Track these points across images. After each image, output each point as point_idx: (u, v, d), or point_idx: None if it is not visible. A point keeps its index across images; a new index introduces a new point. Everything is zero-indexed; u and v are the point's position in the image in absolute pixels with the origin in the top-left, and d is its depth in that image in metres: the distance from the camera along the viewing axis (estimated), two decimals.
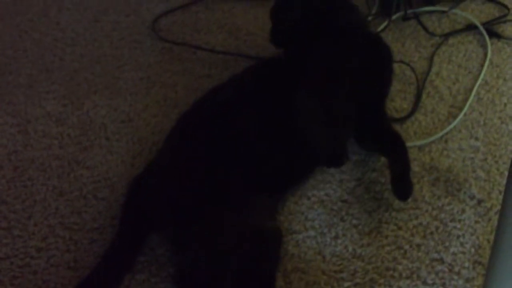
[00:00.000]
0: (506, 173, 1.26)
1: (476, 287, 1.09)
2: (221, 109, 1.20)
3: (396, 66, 1.45)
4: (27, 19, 1.79)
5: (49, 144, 1.39)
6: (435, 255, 1.14)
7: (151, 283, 1.11)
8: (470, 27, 1.65)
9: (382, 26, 1.64)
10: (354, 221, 1.20)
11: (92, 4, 1.84)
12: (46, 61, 1.63)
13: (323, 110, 1.18)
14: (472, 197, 1.23)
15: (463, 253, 1.14)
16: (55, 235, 1.20)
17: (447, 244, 1.16)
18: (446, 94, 1.47)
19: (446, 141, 1.35)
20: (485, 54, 1.57)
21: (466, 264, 1.12)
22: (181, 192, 1.10)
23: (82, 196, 1.27)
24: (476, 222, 1.19)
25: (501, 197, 1.22)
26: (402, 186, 1.20)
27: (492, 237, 1.15)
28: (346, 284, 1.11)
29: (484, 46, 1.60)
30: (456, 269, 1.12)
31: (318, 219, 1.21)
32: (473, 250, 1.15)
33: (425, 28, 1.65)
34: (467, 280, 1.10)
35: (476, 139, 1.35)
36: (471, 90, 1.47)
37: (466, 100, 1.44)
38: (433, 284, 1.10)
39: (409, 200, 1.21)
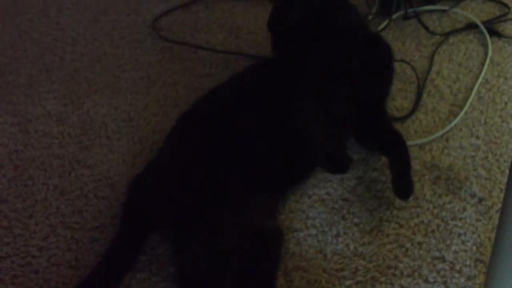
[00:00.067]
0: (507, 171, 1.25)
1: (477, 285, 1.09)
2: (221, 109, 1.20)
3: (396, 65, 1.45)
4: (27, 19, 1.79)
5: (50, 143, 1.39)
6: (437, 253, 1.14)
7: (151, 282, 1.11)
8: (471, 26, 1.65)
9: (382, 25, 1.64)
10: (355, 220, 1.20)
11: (92, 3, 1.84)
12: (46, 61, 1.63)
13: (323, 110, 1.18)
14: (473, 195, 1.23)
15: (465, 251, 1.14)
16: (56, 234, 1.20)
17: (448, 242, 1.16)
18: (446, 93, 1.47)
19: (447, 140, 1.35)
20: (486, 53, 1.57)
21: (468, 262, 1.12)
22: (181, 192, 1.10)
23: (83, 195, 1.27)
24: (477, 220, 1.19)
25: (502, 195, 1.22)
26: (403, 186, 1.20)
27: (493, 235, 1.15)
28: (347, 282, 1.11)
29: (484, 45, 1.60)
30: (458, 267, 1.12)
31: (319, 218, 1.21)
32: (474, 248, 1.15)
33: (426, 27, 1.65)
34: (469, 278, 1.10)
35: (477, 137, 1.35)
36: (471, 89, 1.47)
37: (466, 98, 1.44)
38: (435, 282, 1.10)
39: (410, 198, 1.21)
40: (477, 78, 1.50)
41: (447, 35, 1.64)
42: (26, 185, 1.29)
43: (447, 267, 1.12)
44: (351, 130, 1.27)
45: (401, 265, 1.12)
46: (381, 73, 1.32)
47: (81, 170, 1.32)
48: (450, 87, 1.48)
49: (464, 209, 1.21)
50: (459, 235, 1.17)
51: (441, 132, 1.35)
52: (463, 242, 1.15)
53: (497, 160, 1.30)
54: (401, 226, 1.18)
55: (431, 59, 1.56)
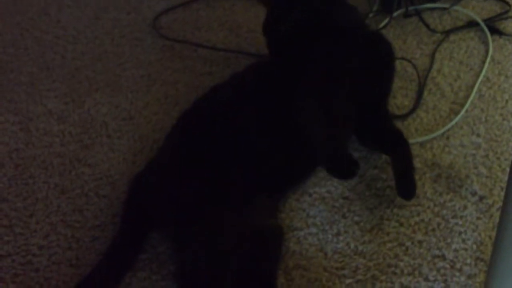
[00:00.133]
0: (508, 169, 1.25)
1: (478, 283, 1.09)
2: (222, 108, 1.20)
3: (397, 63, 1.45)
4: (27, 18, 1.79)
5: (51, 142, 1.39)
6: (437, 252, 1.14)
7: (152, 281, 1.11)
8: (472, 24, 1.65)
9: (383, 23, 1.64)
10: (356, 218, 1.20)
11: (93, 1, 1.84)
12: (47, 59, 1.63)
13: (323, 110, 1.18)
14: (473, 194, 1.23)
15: (465, 249, 1.14)
16: (57, 233, 1.20)
17: (449, 240, 1.16)
18: (447, 90, 1.46)
19: (447, 138, 1.35)
20: (487, 51, 1.57)
21: (468, 261, 1.12)
22: (182, 190, 1.10)
23: (84, 194, 1.27)
24: (478, 218, 1.19)
25: (502, 193, 1.21)
26: (406, 186, 1.20)
27: (494, 234, 1.14)
28: (348, 281, 1.11)
29: (485, 43, 1.59)
30: (458, 265, 1.12)
31: (319, 216, 1.21)
32: (475, 246, 1.15)
33: (427, 25, 1.65)
34: (469, 277, 1.10)
35: (478, 135, 1.35)
36: (472, 86, 1.46)
37: (467, 96, 1.44)
38: (435, 280, 1.10)
39: None
40: (478, 76, 1.49)
41: (448, 33, 1.63)
42: (27, 184, 1.30)
43: (448, 266, 1.12)
44: (352, 130, 1.27)
45: (401, 264, 1.12)
46: (381, 72, 1.32)
47: (82, 169, 1.32)
48: (451, 85, 1.48)
49: (465, 207, 1.21)
50: (460, 233, 1.17)
51: (442, 130, 1.35)
52: (463, 241, 1.15)
53: (498, 158, 1.30)
54: (402, 225, 1.18)
55: (432, 57, 1.56)
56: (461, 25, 1.66)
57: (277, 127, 1.15)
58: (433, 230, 1.17)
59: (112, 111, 1.46)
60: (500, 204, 1.20)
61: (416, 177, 1.25)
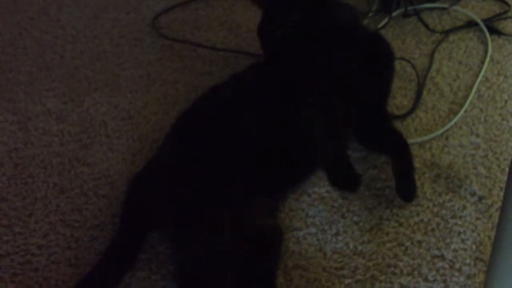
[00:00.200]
0: (507, 169, 1.25)
1: (477, 283, 1.09)
2: (221, 108, 1.20)
3: (396, 63, 1.44)
4: (27, 17, 1.79)
5: (50, 141, 1.39)
6: (436, 252, 1.14)
7: (151, 281, 1.11)
8: (471, 24, 1.65)
9: (382, 23, 1.64)
10: (355, 218, 1.20)
11: (92, 1, 1.84)
12: (46, 59, 1.62)
13: (323, 110, 1.18)
14: (473, 194, 1.23)
15: (464, 249, 1.14)
16: (56, 232, 1.20)
17: (448, 240, 1.16)
18: (446, 91, 1.47)
19: (446, 138, 1.35)
20: (486, 51, 1.57)
21: (467, 261, 1.12)
22: (181, 190, 1.10)
23: (83, 193, 1.27)
24: (477, 218, 1.19)
25: (502, 193, 1.21)
26: (406, 187, 1.20)
27: (493, 234, 1.14)
28: (347, 281, 1.11)
29: (484, 43, 1.60)
30: (457, 265, 1.12)
31: (318, 216, 1.21)
32: (474, 246, 1.15)
33: (426, 25, 1.65)
34: (468, 277, 1.10)
35: (477, 135, 1.35)
36: (471, 87, 1.47)
37: (466, 97, 1.44)
38: (434, 280, 1.10)
39: None
40: (477, 76, 1.50)
41: (447, 33, 1.63)
42: (26, 183, 1.30)
43: (447, 266, 1.12)
44: (352, 130, 1.27)
45: (400, 264, 1.12)
46: (381, 73, 1.32)
47: (81, 168, 1.32)
48: (450, 85, 1.48)
49: (464, 207, 1.21)
50: (459, 233, 1.17)
51: (441, 130, 1.35)
52: (462, 241, 1.16)
53: (497, 159, 1.30)
54: (401, 225, 1.18)
55: (431, 57, 1.56)
56: (460, 25, 1.66)
57: (277, 127, 1.15)
58: (433, 230, 1.17)
59: (111, 111, 1.46)
60: (499, 204, 1.20)
61: (416, 177, 1.25)
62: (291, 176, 1.20)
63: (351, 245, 1.16)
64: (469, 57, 1.56)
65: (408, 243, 1.16)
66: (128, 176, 1.26)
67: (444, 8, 1.71)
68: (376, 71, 1.31)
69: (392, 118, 1.36)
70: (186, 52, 1.62)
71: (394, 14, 1.66)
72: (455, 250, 1.14)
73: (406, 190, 1.20)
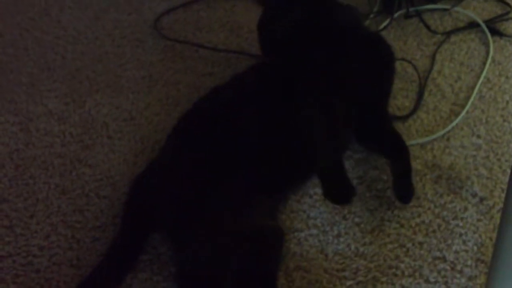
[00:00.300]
0: (509, 170, 1.26)
1: (478, 285, 1.09)
2: (223, 109, 1.20)
3: (398, 64, 1.45)
4: (28, 18, 1.79)
5: (51, 142, 1.39)
6: (438, 253, 1.14)
7: (153, 282, 1.11)
8: (472, 25, 1.65)
9: (384, 24, 1.64)
10: (356, 219, 1.20)
11: (94, 2, 1.84)
12: (47, 60, 1.62)
13: (323, 110, 1.18)
14: (474, 195, 1.23)
15: (466, 251, 1.14)
16: (58, 234, 1.20)
17: (449, 242, 1.16)
18: (448, 92, 1.46)
19: (448, 139, 1.35)
20: (487, 52, 1.57)
21: (469, 262, 1.12)
22: (183, 191, 1.10)
23: (84, 194, 1.27)
24: (479, 220, 1.19)
25: (503, 195, 1.21)
26: (404, 189, 1.20)
27: (494, 235, 1.15)
28: (349, 282, 1.11)
29: (486, 44, 1.59)
30: (459, 267, 1.12)
31: (320, 217, 1.21)
32: (475, 248, 1.15)
33: (427, 26, 1.65)
34: (470, 278, 1.10)
35: (478, 137, 1.35)
36: (473, 88, 1.47)
37: (468, 98, 1.44)
38: (436, 282, 1.10)
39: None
40: (478, 77, 1.49)
41: (448, 34, 1.63)
42: (27, 184, 1.30)
43: (448, 267, 1.12)
44: (352, 131, 1.27)
45: (402, 265, 1.12)
46: (381, 73, 1.32)
47: (83, 169, 1.32)
48: (452, 86, 1.48)
49: (465, 208, 1.21)
50: (460, 235, 1.17)
51: (442, 132, 1.35)
52: (464, 242, 1.15)
53: (499, 160, 1.30)
54: (402, 226, 1.18)
55: (433, 58, 1.56)
56: (462, 26, 1.66)
57: (278, 128, 1.15)
58: (434, 231, 1.17)
59: (113, 112, 1.46)
60: (501, 205, 1.20)
61: (417, 178, 1.25)
62: (292, 176, 1.20)
63: (352, 247, 1.16)
64: (471, 58, 1.56)
65: (409, 245, 1.16)
66: (130, 177, 1.26)
67: (445, 9, 1.71)
68: (376, 72, 1.31)
69: (393, 119, 1.36)
70: (188, 53, 1.62)
71: (395, 15, 1.66)
72: (456, 252, 1.14)
73: (404, 192, 1.20)
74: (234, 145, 1.13)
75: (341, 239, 1.17)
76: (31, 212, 1.24)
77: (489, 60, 1.54)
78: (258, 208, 1.12)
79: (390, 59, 1.33)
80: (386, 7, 1.68)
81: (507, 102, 1.43)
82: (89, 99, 1.49)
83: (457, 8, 1.70)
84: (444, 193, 1.24)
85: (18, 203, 1.26)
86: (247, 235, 1.07)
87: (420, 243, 1.16)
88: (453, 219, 1.19)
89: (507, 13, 1.68)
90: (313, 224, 1.20)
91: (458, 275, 1.10)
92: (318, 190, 1.25)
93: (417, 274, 1.11)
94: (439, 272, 1.11)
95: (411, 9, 1.68)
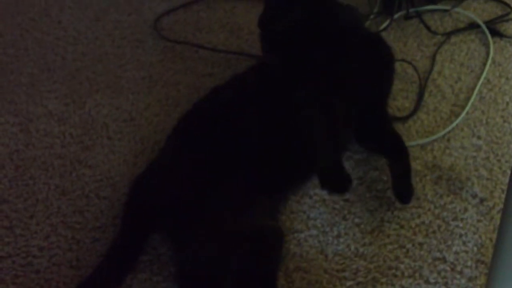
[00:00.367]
0: (509, 171, 1.26)
1: (478, 286, 1.09)
2: (222, 109, 1.20)
3: (398, 65, 1.45)
4: (28, 18, 1.79)
5: (51, 143, 1.39)
6: (438, 254, 1.14)
7: (153, 282, 1.11)
8: (473, 26, 1.65)
9: (384, 25, 1.64)
10: (356, 220, 1.20)
11: (94, 2, 1.84)
12: (47, 60, 1.62)
13: (323, 111, 1.18)
14: (474, 196, 1.23)
15: (466, 252, 1.14)
16: (57, 234, 1.20)
17: (449, 243, 1.16)
18: (448, 92, 1.46)
19: (448, 140, 1.35)
20: (488, 53, 1.57)
21: (469, 263, 1.12)
22: (183, 192, 1.10)
23: (84, 195, 1.27)
24: (479, 221, 1.19)
25: (503, 195, 1.21)
26: (403, 189, 1.20)
27: (494, 236, 1.14)
28: (349, 283, 1.11)
29: (486, 45, 1.59)
30: (459, 268, 1.12)
31: (320, 218, 1.21)
32: (475, 249, 1.14)
33: (427, 27, 1.65)
34: (470, 279, 1.10)
35: (479, 137, 1.35)
36: (473, 89, 1.46)
37: (468, 99, 1.44)
38: (436, 283, 1.10)
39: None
40: (478, 78, 1.49)
41: (449, 34, 1.63)
42: (27, 185, 1.30)
43: (448, 268, 1.12)
44: (352, 131, 1.27)
45: (402, 266, 1.12)
46: (381, 73, 1.32)
47: (83, 170, 1.32)
48: (452, 87, 1.48)
49: (466, 209, 1.21)
50: (460, 235, 1.17)
51: (442, 132, 1.35)
52: (464, 243, 1.15)
53: (499, 161, 1.30)
54: (402, 227, 1.18)
55: (433, 59, 1.56)
56: (462, 27, 1.66)
57: (278, 128, 1.15)
58: (434, 232, 1.17)
59: (113, 113, 1.46)
60: (501, 206, 1.20)
61: (417, 179, 1.25)
62: (292, 176, 1.20)
63: (352, 247, 1.16)
64: (471, 59, 1.56)
65: (409, 245, 1.15)
66: (130, 178, 1.26)
67: (446, 10, 1.71)
68: (376, 72, 1.31)
69: (393, 120, 1.36)
70: (187, 54, 1.62)
71: (395, 16, 1.66)
72: (456, 253, 1.14)
73: (403, 192, 1.20)
74: (234, 146, 1.13)
75: (341, 240, 1.17)
76: (31, 213, 1.24)
77: (489, 61, 1.54)
78: (258, 208, 1.12)
79: (390, 60, 1.33)
80: (386, 7, 1.68)
81: (507, 103, 1.43)
82: (89, 99, 1.49)
83: (457, 9, 1.70)
84: (444, 194, 1.24)
85: (18, 203, 1.26)
86: (247, 235, 1.07)
87: (420, 244, 1.16)
88: (453, 220, 1.19)
89: (507, 14, 1.68)
90: (313, 225, 1.20)
91: (458, 276, 1.10)
92: (318, 191, 1.25)
93: (417, 275, 1.11)
94: (439, 273, 1.11)
95: (411, 10, 1.68)
